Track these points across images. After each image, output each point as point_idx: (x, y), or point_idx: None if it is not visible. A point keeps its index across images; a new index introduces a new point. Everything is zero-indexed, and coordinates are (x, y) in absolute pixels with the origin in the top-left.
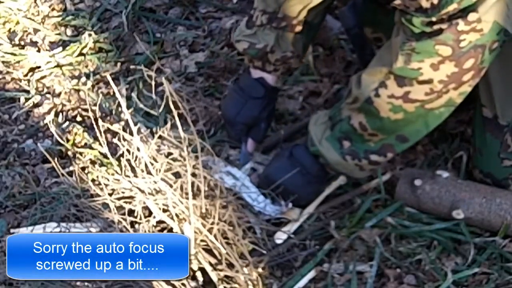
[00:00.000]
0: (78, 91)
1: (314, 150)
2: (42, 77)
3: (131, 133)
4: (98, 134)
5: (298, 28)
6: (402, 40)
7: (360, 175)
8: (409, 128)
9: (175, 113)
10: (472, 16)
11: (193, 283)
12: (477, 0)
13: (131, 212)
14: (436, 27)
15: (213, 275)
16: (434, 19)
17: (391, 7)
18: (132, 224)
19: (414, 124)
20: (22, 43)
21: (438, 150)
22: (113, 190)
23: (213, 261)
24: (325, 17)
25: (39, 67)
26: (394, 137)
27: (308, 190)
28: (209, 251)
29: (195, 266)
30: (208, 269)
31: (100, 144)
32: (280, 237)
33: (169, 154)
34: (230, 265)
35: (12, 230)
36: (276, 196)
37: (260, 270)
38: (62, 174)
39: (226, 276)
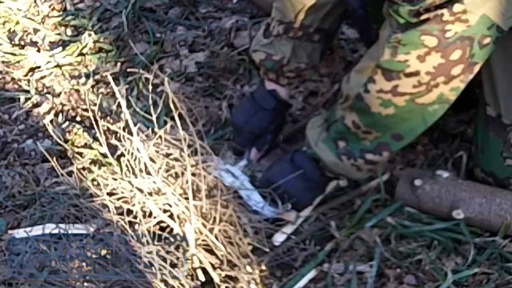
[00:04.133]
0: (78, 91)
1: (311, 153)
2: (42, 77)
3: (130, 133)
4: (98, 134)
5: (316, 37)
6: (388, 33)
7: (359, 175)
8: (404, 126)
9: (175, 113)
10: (457, 7)
11: (192, 283)
12: None
13: (130, 212)
14: (422, 17)
15: (215, 276)
16: (420, 8)
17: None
18: (132, 224)
19: (408, 122)
20: (22, 43)
21: (438, 150)
22: (112, 190)
23: (215, 261)
24: (341, 24)
25: (39, 67)
26: (389, 135)
27: (308, 196)
28: (210, 251)
29: (196, 266)
30: (210, 269)
31: (100, 144)
32: (278, 239)
33: (169, 154)
34: (232, 265)
35: (10, 232)
36: (275, 197)
37: (261, 269)
38: (62, 174)
39: (227, 276)
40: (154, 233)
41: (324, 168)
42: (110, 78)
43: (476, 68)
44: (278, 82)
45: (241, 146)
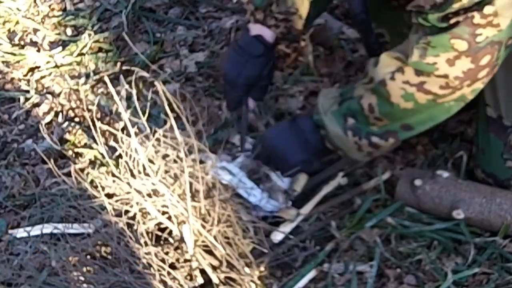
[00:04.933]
0: (77, 91)
1: (317, 119)
2: (42, 77)
3: (130, 134)
4: (95, 136)
5: None
6: (418, 36)
7: (356, 155)
8: (416, 118)
9: (170, 114)
10: (488, 9)
11: (191, 284)
12: None
13: (129, 214)
14: (452, 21)
15: (214, 277)
16: (448, 12)
17: (398, 5)
18: (131, 225)
19: (421, 114)
20: (22, 43)
21: (438, 150)
22: (111, 191)
23: (214, 262)
24: None
25: (38, 67)
26: (399, 125)
27: (299, 157)
28: (209, 252)
29: (195, 267)
30: (209, 271)
31: (98, 144)
32: (277, 237)
33: (167, 155)
34: (231, 266)
35: (10, 231)
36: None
37: (261, 269)
38: (59, 175)
39: (226, 277)
40: (153, 233)
41: (325, 137)
42: (107, 80)
43: (496, 69)
44: (264, 22)
45: (236, 100)
